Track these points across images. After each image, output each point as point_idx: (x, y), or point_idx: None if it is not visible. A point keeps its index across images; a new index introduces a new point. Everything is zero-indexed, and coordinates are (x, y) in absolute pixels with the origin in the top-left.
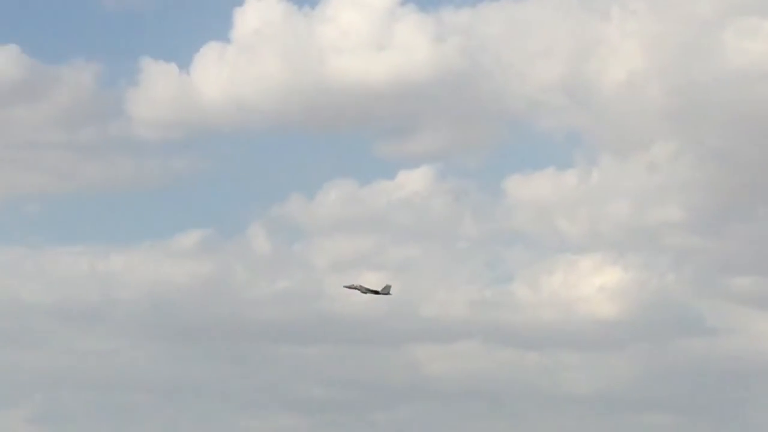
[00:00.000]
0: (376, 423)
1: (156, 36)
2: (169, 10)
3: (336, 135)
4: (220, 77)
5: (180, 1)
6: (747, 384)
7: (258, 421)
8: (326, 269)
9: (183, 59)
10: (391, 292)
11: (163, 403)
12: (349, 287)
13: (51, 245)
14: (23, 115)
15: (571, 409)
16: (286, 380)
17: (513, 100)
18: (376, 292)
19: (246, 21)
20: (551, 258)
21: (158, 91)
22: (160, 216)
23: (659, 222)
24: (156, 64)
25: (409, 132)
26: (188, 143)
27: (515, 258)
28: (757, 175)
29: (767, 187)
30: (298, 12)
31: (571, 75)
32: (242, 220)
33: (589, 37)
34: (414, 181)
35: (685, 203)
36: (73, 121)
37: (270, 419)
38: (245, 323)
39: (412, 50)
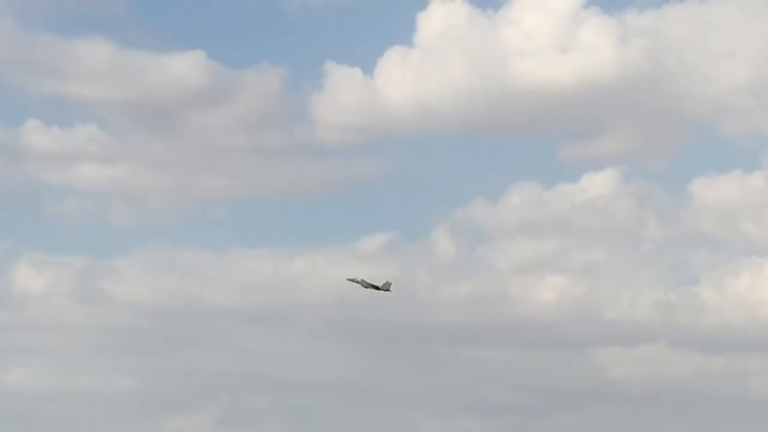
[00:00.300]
0: (559, 427)
1: (340, 40)
2: (353, 15)
3: (519, 138)
4: (403, 81)
5: (364, 6)
6: None
7: (440, 424)
8: (510, 272)
9: (367, 63)
10: (391, 288)
11: (346, 405)
12: (351, 280)
13: (236, 248)
14: (210, 119)
15: (758, 414)
16: (469, 383)
17: (698, 102)
18: (376, 288)
19: (429, 25)
20: (737, 261)
21: (343, 95)
22: (345, 219)
23: None
24: (340, 68)
25: (593, 135)
26: (372, 147)
27: (700, 261)
28: None
29: None
30: (482, 15)
31: (757, 77)
32: (426, 224)
33: None
34: (598, 184)
35: None
36: (258, 125)
37: (452, 422)
38: (428, 326)
39: (596, 53)
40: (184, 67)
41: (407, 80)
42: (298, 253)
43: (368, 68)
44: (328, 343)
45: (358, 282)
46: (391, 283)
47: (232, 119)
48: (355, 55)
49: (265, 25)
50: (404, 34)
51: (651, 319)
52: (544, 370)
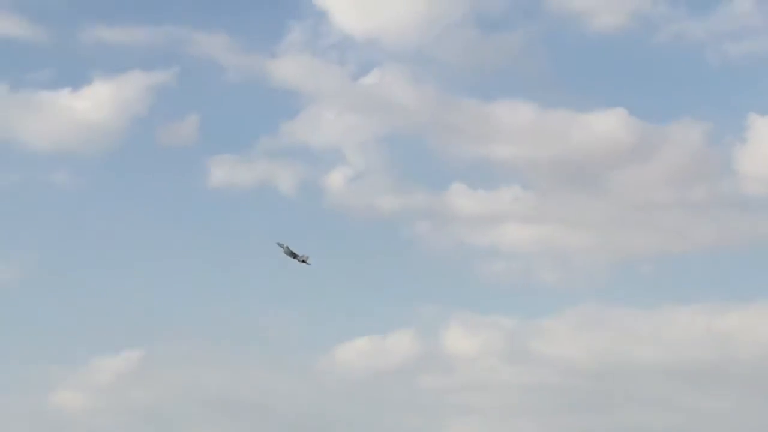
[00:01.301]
0: None
1: (763, 92)
2: None
3: None
4: None
5: None
6: None
7: None
8: None
9: None
10: (309, 262)
11: None
12: (280, 245)
13: (666, 305)
14: (633, 176)
15: None
16: None
17: None
18: (294, 256)
19: None
20: None
21: (766, 146)
22: None
23: None
24: (764, 119)
25: None
26: None
27: None
28: None
29: None
30: None
31: None
32: None
33: None
34: None
35: None
36: (682, 180)
37: None
38: None
39: None
40: (606, 125)
41: None
42: (730, 308)
43: None
44: (763, 400)
45: (282, 247)
46: (308, 257)
47: (656, 175)
48: None
49: (686, 80)
50: None
51: None
52: None
